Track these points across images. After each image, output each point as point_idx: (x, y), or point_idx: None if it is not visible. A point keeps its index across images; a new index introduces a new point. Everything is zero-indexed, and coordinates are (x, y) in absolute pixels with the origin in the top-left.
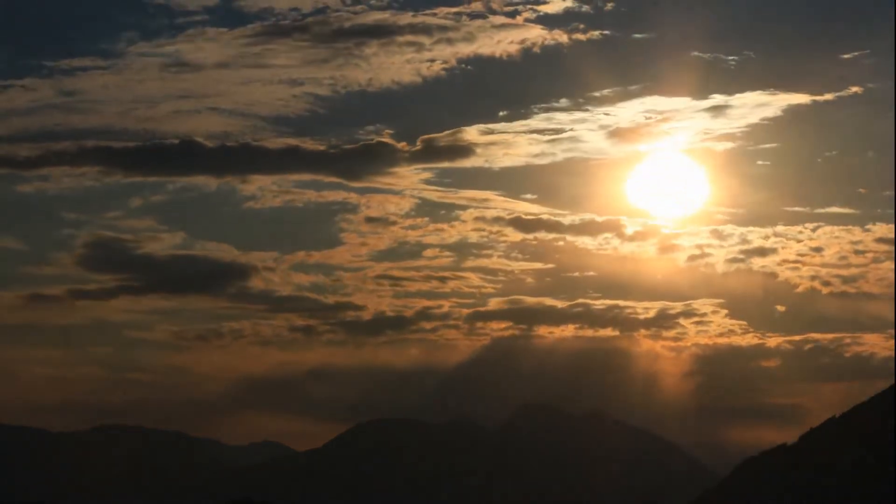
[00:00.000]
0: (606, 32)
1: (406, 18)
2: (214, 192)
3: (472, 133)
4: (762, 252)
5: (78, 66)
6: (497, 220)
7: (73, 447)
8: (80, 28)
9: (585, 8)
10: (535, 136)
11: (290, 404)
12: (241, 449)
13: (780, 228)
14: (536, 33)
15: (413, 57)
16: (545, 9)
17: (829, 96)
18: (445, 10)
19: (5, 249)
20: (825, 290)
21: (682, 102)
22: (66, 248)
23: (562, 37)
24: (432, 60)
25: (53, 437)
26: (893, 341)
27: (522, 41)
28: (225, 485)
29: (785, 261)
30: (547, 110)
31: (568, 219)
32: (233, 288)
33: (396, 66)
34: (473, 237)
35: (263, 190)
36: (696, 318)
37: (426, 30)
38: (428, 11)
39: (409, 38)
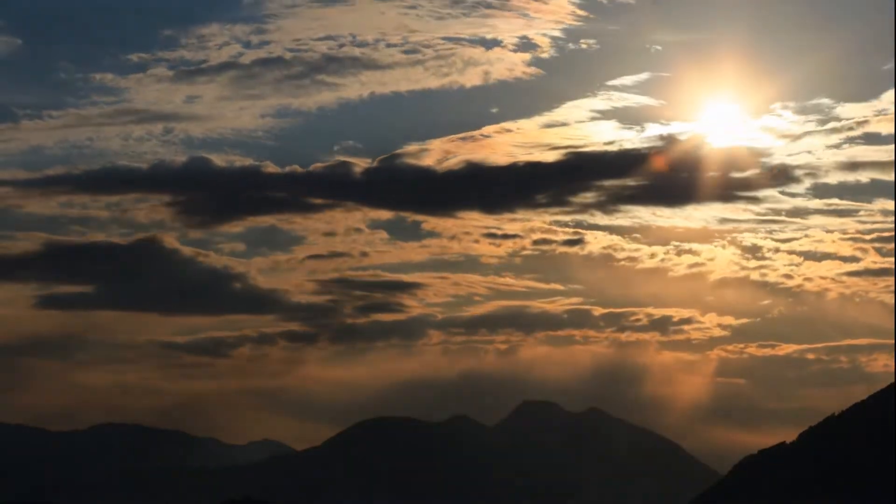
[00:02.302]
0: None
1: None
2: (214, 208)
3: (457, 147)
4: (760, 260)
5: (95, 101)
6: (490, 230)
7: (73, 447)
8: (94, 64)
9: (572, 47)
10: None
11: (290, 406)
12: (240, 448)
13: (777, 237)
14: (520, 69)
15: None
16: (540, 53)
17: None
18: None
19: (13, 262)
20: (827, 297)
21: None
22: (70, 259)
23: (538, 70)
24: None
25: (53, 437)
26: (894, 346)
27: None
28: (225, 484)
29: (783, 268)
30: (517, 130)
31: (561, 230)
32: (234, 295)
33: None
34: (473, 247)
35: (262, 205)
36: (695, 324)
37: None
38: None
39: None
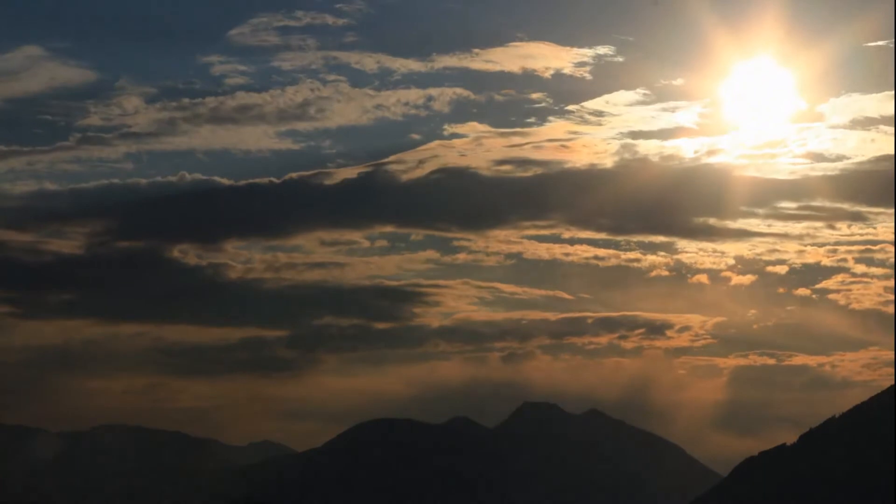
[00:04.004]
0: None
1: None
2: (217, 223)
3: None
4: (755, 272)
5: (109, 125)
6: (495, 240)
7: (74, 448)
8: (111, 89)
9: (567, 73)
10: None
11: (290, 409)
12: (241, 449)
13: (763, 247)
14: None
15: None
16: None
17: None
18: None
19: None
20: (824, 305)
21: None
22: (76, 269)
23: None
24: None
25: (53, 437)
26: (893, 350)
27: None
28: (225, 485)
29: (777, 276)
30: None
31: (559, 242)
32: (237, 303)
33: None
34: (475, 256)
35: (265, 218)
36: (694, 330)
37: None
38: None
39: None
